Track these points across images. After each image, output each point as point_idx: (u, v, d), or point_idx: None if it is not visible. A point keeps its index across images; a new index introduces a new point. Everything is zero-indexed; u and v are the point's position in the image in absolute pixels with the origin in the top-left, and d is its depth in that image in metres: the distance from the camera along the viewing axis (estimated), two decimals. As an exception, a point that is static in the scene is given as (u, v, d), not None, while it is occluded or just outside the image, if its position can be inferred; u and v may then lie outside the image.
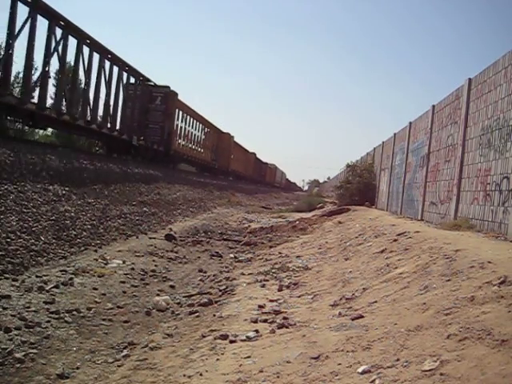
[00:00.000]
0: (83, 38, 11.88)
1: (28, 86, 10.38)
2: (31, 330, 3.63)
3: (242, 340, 3.34)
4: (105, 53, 13.24)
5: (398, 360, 2.25)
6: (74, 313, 4.19)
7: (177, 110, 19.00)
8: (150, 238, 8.63)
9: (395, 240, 5.46)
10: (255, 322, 3.76)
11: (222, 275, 6.18)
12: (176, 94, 18.49)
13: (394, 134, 12.35)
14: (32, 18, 9.68)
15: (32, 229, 6.20)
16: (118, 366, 3.25)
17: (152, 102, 17.47)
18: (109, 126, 14.24)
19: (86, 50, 12.24)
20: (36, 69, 11.72)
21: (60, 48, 11.06)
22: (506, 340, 2.02)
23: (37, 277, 4.96)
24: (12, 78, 11.01)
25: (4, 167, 7.34)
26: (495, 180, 5.13)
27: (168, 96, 17.81)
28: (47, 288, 4.65)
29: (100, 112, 14.04)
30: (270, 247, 8.66)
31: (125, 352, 3.51)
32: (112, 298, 4.89)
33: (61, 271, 5.35)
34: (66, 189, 8.53)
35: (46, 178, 8.27)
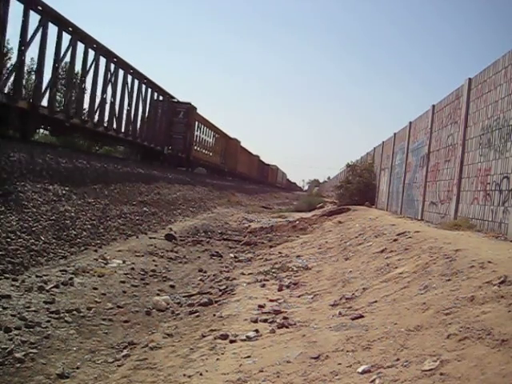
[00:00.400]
0: (127, 68, 14.89)
1: (92, 112, 13.18)
2: (31, 329, 3.63)
3: (242, 340, 3.33)
4: (142, 78, 16.18)
5: (398, 360, 2.25)
6: (74, 312, 4.19)
7: (196, 122, 21.94)
8: (150, 238, 8.63)
9: (395, 240, 5.46)
10: (255, 321, 3.76)
11: (222, 275, 6.18)
12: (195, 109, 21.34)
13: (394, 134, 12.35)
14: (96, 60, 12.74)
15: (32, 229, 6.20)
16: (118, 366, 3.26)
17: (176, 116, 20.31)
18: (143, 137, 17.19)
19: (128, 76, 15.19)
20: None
21: (113, 79, 14.10)
22: (506, 340, 2.02)
23: (37, 276, 4.96)
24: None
25: (4, 167, 7.33)
26: (495, 180, 5.13)
27: (189, 110, 20.73)
28: (47, 288, 4.65)
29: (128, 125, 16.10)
30: (270, 247, 8.66)
31: (125, 352, 3.51)
32: (112, 297, 4.89)
33: (61, 271, 5.35)
34: (66, 189, 8.52)
35: (46, 178, 8.26)
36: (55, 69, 11.00)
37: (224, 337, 3.43)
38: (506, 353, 1.94)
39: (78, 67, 12.40)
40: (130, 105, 15.50)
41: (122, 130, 15.05)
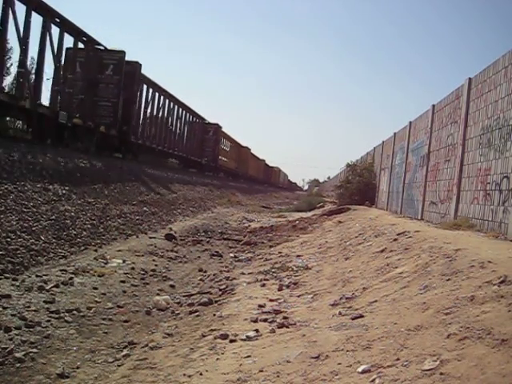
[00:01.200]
0: (180, 104, 20.63)
1: (161, 137, 18.72)
2: (31, 329, 3.63)
3: (242, 339, 3.33)
4: (186, 108, 21.97)
5: (397, 359, 2.25)
6: (74, 312, 4.19)
7: (221, 138, 28.71)
8: (150, 238, 8.63)
9: (395, 239, 5.46)
10: (255, 321, 3.76)
11: (222, 275, 6.19)
12: (221, 127, 28.33)
13: (394, 134, 12.35)
14: (163, 102, 18.45)
15: (32, 228, 6.20)
16: (118, 366, 3.26)
17: (207, 134, 26.83)
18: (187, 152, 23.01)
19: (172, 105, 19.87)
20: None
21: (171, 112, 19.77)
22: (506, 339, 2.02)
23: (37, 276, 4.96)
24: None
25: (4, 167, 7.33)
26: (495, 179, 5.13)
27: (216, 129, 27.58)
28: (47, 287, 4.65)
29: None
30: (270, 247, 8.66)
31: (125, 351, 3.52)
32: (112, 297, 4.89)
33: (61, 271, 5.35)
34: (66, 188, 8.52)
35: (46, 178, 8.27)
36: (145, 113, 16.70)
37: (224, 336, 3.43)
38: (505, 352, 1.94)
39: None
40: (180, 129, 21.67)
41: (177, 149, 21.21)
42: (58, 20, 10.67)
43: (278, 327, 3.47)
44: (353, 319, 3.16)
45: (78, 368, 3.20)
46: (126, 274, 5.87)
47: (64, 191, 8.32)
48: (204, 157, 26.18)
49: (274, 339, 3.22)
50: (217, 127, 27.68)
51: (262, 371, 2.64)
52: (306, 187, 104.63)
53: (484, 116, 5.72)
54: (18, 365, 3.09)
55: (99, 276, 5.49)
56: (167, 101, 18.65)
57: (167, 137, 19.45)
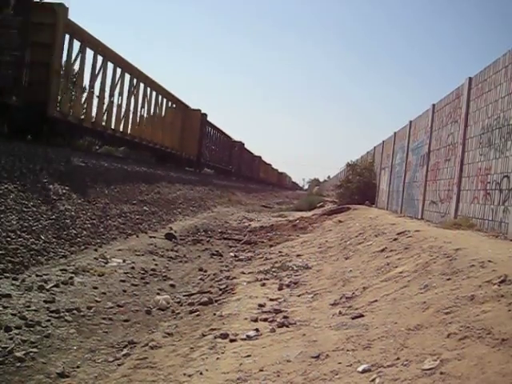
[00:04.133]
0: (249, 152, 37.45)
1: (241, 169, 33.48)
2: (31, 328, 3.64)
3: (242, 339, 3.33)
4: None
5: (398, 359, 2.25)
6: (75, 312, 4.19)
7: (261, 162, 44.37)
8: (150, 237, 8.63)
9: (395, 239, 5.46)
10: (255, 320, 3.76)
11: (222, 274, 6.18)
12: (261, 157, 44.18)
13: (395, 133, 12.34)
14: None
15: (32, 228, 6.20)
16: (118, 365, 3.26)
17: (254, 162, 40.03)
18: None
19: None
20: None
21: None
22: (506, 339, 2.02)
23: (37, 276, 4.96)
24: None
25: (4, 166, 7.33)
26: (495, 179, 5.13)
27: (260, 159, 42.59)
28: (47, 287, 4.65)
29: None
30: (271, 246, 8.65)
31: (125, 351, 3.52)
32: (112, 296, 4.89)
33: (61, 270, 5.35)
34: (66, 188, 8.52)
35: (46, 178, 8.26)
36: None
37: (224, 336, 3.43)
38: (506, 352, 1.94)
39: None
40: (247, 163, 34.15)
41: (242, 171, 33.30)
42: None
43: (278, 326, 3.47)
44: (353, 319, 3.16)
45: (78, 367, 3.20)
46: (126, 273, 5.87)
47: (64, 190, 8.31)
48: (253, 174, 40.64)
49: (274, 339, 3.22)
50: (260, 158, 43.68)
51: (262, 370, 2.64)
52: (306, 186, 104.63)
53: (484, 115, 5.72)
54: (18, 364, 3.10)
55: (99, 275, 5.49)
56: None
57: (243, 168, 33.66)
